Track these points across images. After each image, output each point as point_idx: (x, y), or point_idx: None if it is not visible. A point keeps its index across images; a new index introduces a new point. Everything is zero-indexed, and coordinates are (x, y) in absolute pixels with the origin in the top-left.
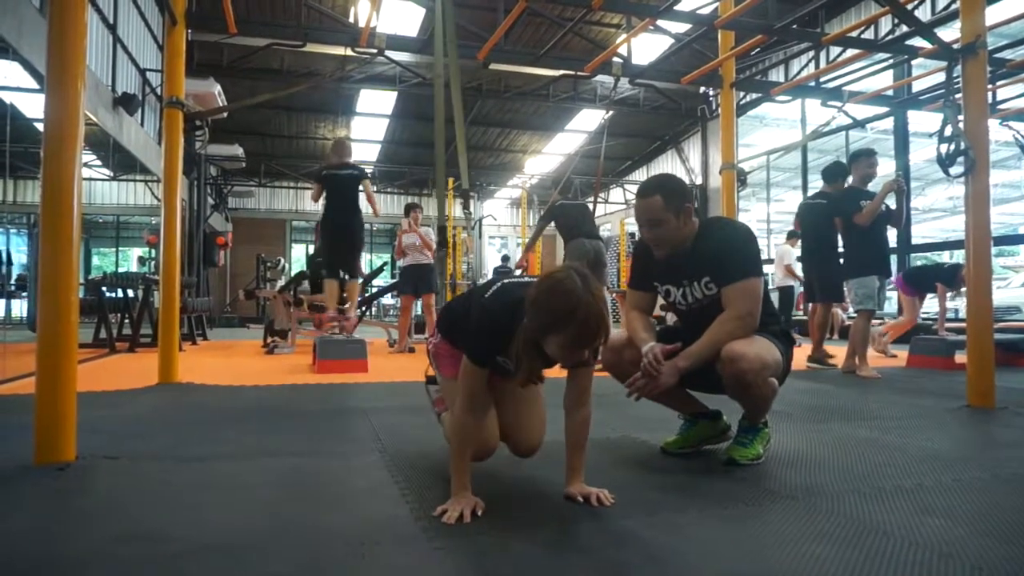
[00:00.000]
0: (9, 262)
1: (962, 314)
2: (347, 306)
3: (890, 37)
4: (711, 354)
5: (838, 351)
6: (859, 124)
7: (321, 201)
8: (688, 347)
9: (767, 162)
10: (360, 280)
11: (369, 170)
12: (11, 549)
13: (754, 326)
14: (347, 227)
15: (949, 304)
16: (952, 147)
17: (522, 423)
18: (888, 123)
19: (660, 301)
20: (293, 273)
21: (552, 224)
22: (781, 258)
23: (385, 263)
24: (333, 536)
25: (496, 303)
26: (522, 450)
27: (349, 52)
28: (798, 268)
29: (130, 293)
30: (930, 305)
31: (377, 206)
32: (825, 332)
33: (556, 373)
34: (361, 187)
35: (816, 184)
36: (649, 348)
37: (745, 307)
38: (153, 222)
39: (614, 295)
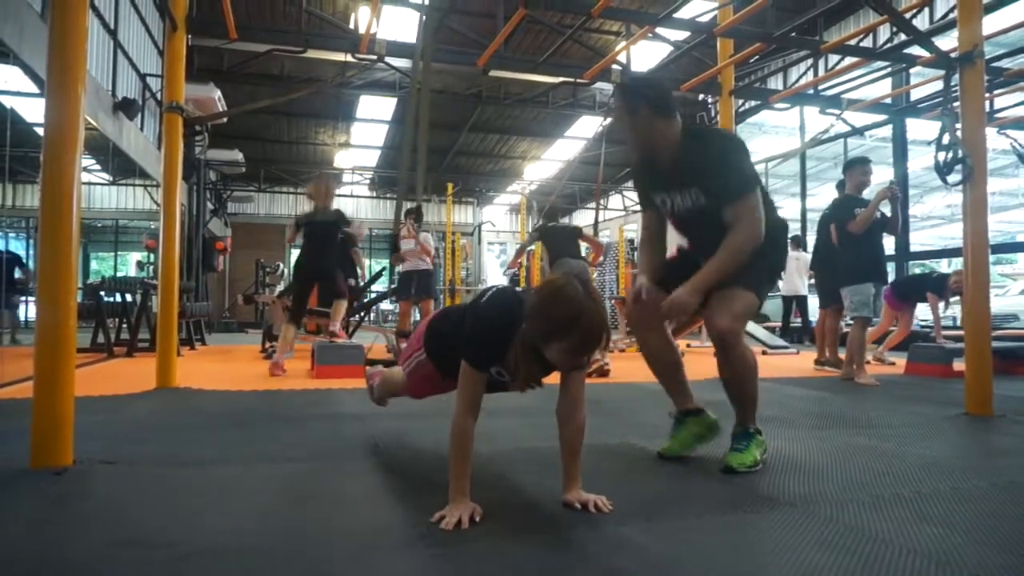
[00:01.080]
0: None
1: (959, 322)
2: (334, 327)
3: (888, 45)
4: (724, 276)
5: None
6: (858, 132)
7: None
8: (700, 270)
9: (766, 169)
10: (343, 300)
11: (368, 176)
12: (7, 553)
13: (759, 238)
14: (316, 272)
15: (947, 312)
16: (950, 155)
17: None
18: (887, 131)
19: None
20: (292, 278)
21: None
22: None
23: (384, 269)
24: (330, 541)
25: (492, 309)
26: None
27: (349, 58)
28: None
29: (128, 297)
30: (926, 313)
31: (360, 258)
32: (834, 336)
33: (549, 380)
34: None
35: (815, 191)
36: (639, 284)
37: (749, 225)
38: (152, 227)
39: (613, 301)
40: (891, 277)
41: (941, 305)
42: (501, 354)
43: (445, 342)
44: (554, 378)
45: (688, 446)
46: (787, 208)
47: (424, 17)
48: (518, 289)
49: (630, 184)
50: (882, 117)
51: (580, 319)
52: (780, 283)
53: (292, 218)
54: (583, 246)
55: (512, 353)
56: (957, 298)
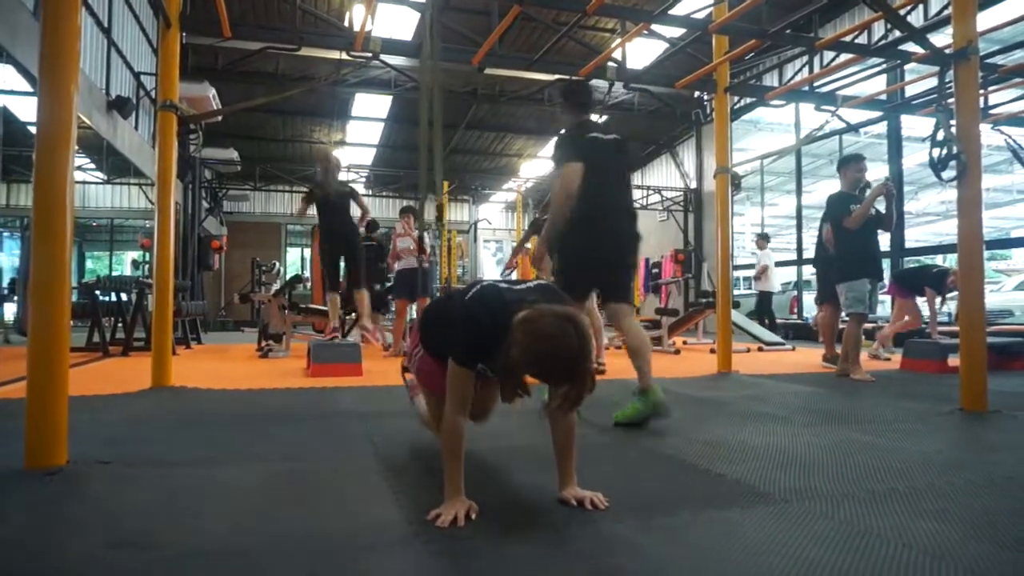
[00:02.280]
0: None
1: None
2: (365, 321)
3: (883, 42)
4: (547, 232)
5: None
6: (852, 128)
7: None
8: None
9: (761, 166)
10: (365, 290)
11: (364, 174)
12: (0, 555)
13: (557, 199)
14: (343, 237)
15: (943, 308)
16: (944, 151)
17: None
18: (881, 127)
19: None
20: (288, 277)
21: None
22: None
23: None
24: (327, 541)
25: (478, 305)
26: (481, 420)
27: (344, 56)
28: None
29: (124, 297)
30: (922, 309)
31: (367, 210)
32: (832, 332)
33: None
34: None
35: (811, 187)
36: None
37: (554, 189)
38: (147, 225)
39: None
40: (886, 274)
41: (938, 300)
42: (487, 352)
43: (434, 335)
44: None
45: (632, 418)
46: (783, 205)
47: (430, 15)
48: (502, 286)
49: None
50: (877, 114)
51: (575, 375)
52: (757, 281)
53: (288, 216)
54: None
55: (498, 361)
56: (955, 294)
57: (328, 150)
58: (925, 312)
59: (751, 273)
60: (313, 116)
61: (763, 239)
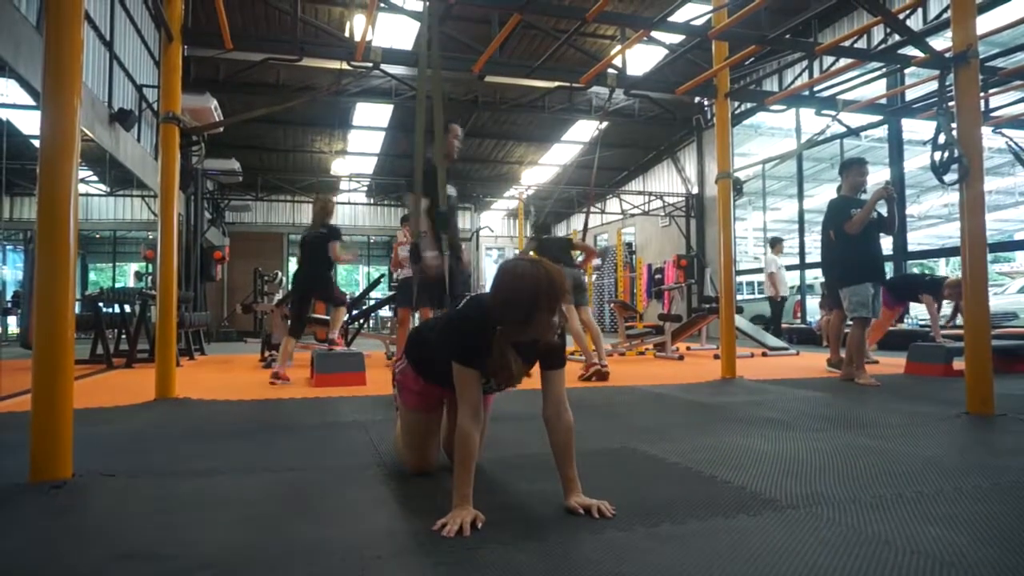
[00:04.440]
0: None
1: (959, 321)
2: (333, 334)
3: (883, 46)
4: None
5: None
6: (853, 132)
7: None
8: None
9: (763, 171)
10: (342, 306)
11: (365, 183)
12: (5, 568)
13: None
14: (309, 279)
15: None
16: (946, 155)
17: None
18: (882, 131)
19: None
20: (290, 287)
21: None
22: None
23: (382, 275)
24: (333, 551)
25: (468, 309)
26: None
27: (345, 66)
28: (781, 277)
29: (127, 308)
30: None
31: (342, 256)
32: (837, 337)
33: (531, 385)
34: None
35: (812, 192)
36: None
37: None
38: (150, 237)
39: (612, 305)
40: (888, 277)
41: (941, 305)
42: (483, 354)
43: (424, 349)
44: (537, 383)
45: None
46: (785, 209)
47: (427, 23)
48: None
49: (627, 188)
50: (878, 118)
51: (537, 278)
52: (767, 286)
53: (290, 226)
54: (576, 254)
55: (494, 349)
56: (948, 302)
57: (316, 198)
58: (926, 317)
59: (760, 277)
60: (314, 126)
61: (771, 244)
